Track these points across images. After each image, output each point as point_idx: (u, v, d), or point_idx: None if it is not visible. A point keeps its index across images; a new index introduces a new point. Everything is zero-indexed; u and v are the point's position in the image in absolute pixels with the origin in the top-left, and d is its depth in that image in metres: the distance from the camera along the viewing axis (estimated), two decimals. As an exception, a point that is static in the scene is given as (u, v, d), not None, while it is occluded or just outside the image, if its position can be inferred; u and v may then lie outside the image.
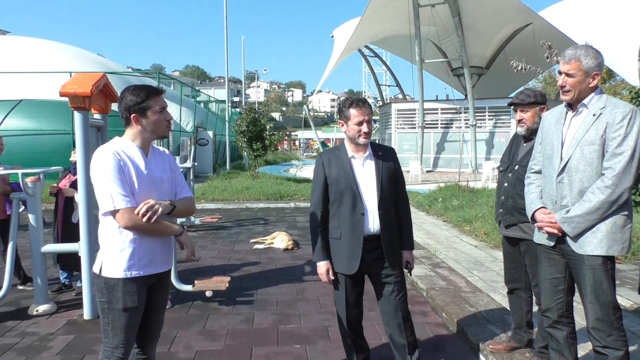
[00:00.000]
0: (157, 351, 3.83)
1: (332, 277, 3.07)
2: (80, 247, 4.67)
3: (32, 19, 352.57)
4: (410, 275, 3.50)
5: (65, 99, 4.45)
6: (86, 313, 4.59)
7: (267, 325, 4.44)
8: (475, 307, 4.56)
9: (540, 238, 2.81)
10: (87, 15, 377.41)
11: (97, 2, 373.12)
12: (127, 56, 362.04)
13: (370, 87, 53.20)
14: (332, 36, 33.90)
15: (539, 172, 2.90)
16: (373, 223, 2.99)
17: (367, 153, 3.07)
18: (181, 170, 6.59)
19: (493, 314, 4.38)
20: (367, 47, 34.76)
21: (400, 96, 36.83)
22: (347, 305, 3.11)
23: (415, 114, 26.41)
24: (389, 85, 46.84)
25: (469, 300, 4.75)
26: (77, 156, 4.63)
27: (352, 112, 2.98)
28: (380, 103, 36.89)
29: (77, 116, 4.55)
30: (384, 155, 3.10)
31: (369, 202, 2.99)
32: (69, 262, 5.28)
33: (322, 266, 3.07)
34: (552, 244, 2.73)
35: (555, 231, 2.66)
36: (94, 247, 4.69)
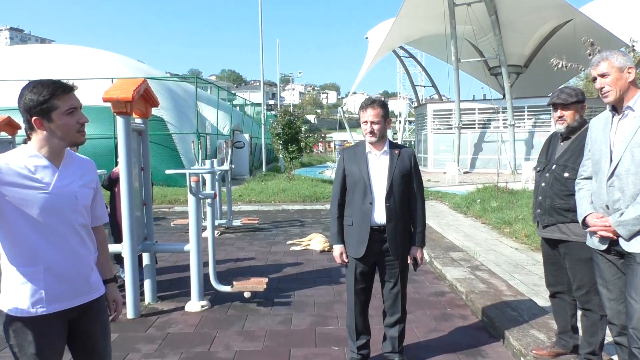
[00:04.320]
0: (197, 350, 3.94)
1: (346, 260, 3.45)
2: (122, 247, 4.79)
3: (76, 28, 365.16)
4: (415, 270, 3.65)
5: (108, 104, 4.58)
6: (129, 312, 4.70)
7: (305, 327, 4.45)
8: (517, 312, 4.45)
9: (592, 242, 2.75)
10: (127, 23, 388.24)
11: (137, 11, 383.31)
12: (165, 62, 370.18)
13: (405, 88, 52.65)
14: (366, 37, 33.81)
15: (588, 177, 2.85)
16: (380, 214, 3.31)
17: (384, 150, 3.38)
18: (218, 172, 6.67)
19: (536, 319, 4.26)
20: (401, 47, 34.52)
21: (436, 97, 36.39)
22: (355, 288, 3.45)
23: (451, 114, 26.04)
24: (424, 86, 46.32)
25: (510, 304, 4.64)
26: (119, 160, 4.75)
27: (360, 113, 3.39)
28: (416, 104, 36.55)
29: (120, 121, 4.68)
30: (401, 154, 3.39)
31: (377, 193, 3.32)
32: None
33: (337, 249, 3.48)
34: (605, 247, 2.66)
35: (610, 235, 2.59)
36: (135, 247, 4.81)
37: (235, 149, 21.56)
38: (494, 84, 30.14)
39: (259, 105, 30.08)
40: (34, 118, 1.94)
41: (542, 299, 4.86)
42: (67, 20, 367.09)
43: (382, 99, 3.54)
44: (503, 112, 24.81)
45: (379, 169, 3.37)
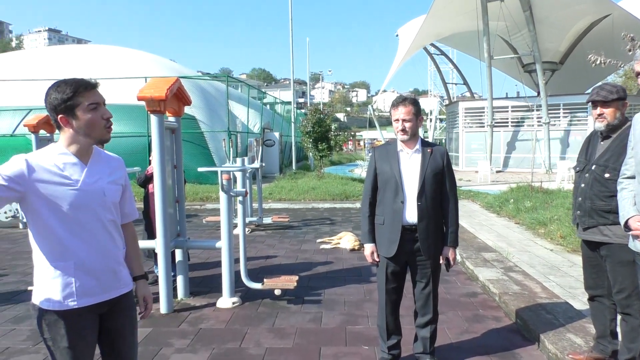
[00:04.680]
0: (228, 346, 3.98)
1: (377, 259, 3.42)
2: (156, 243, 4.87)
3: (111, 28, 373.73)
4: (447, 271, 3.61)
5: (142, 103, 4.66)
6: (162, 307, 4.78)
7: (335, 325, 4.44)
8: (552, 314, 4.34)
9: (635, 245, 2.64)
10: (160, 23, 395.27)
11: (170, 11, 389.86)
12: (197, 61, 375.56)
13: (436, 86, 52.00)
14: (397, 35, 33.49)
15: (631, 177, 2.72)
16: (411, 213, 3.27)
17: (416, 148, 3.35)
18: (249, 170, 6.70)
19: (572, 322, 4.15)
20: (432, 44, 34.07)
21: (468, 94, 35.81)
22: (386, 287, 3.43)
23: (483, 112, 25.59)
24: (455, 84, 45.68)
25: (545, 307, 4.53)
26: (153, 157, 4.83)
27: (391, 111, 3.38)
28: (447, 102, 36.06)
29: (153, 119, 4.76)
30: (433, 153, 3.35)
31: (409, 192, 3.28)
32: None
33: (368, 248, 3.44)
34: None
35: None
36: (169, 243, 4.89)
37: (266, 147, 21.70)
38: (528, 81, 29.48)
39: (289, 103, 30.20)
40: (59, 116, 1.99)
41: (579, 302, 4.73)
42: (103, 21, 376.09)
43: (414, 96, 3.49)
44: (537, 110, 24.24)
45: (410, 167, 3.33)
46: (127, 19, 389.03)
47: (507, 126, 25.75)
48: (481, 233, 8.52)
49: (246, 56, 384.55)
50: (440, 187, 3.36)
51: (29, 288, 1.71)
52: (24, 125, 9.56)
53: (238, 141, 18.44)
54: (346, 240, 7.72)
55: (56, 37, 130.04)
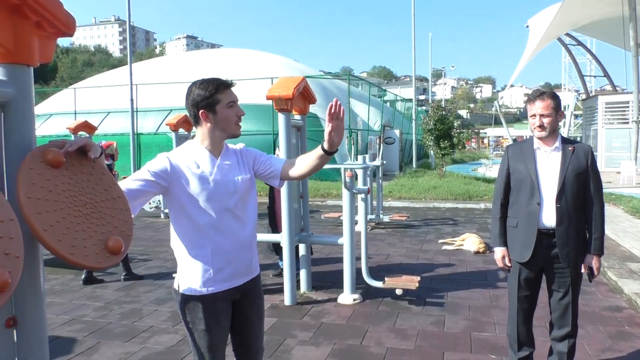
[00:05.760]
0: (350, 343, 4.00)
1: (508, 264, 3.20)
2: (281, 237, 5.05)
3: (241, 33, 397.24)
4: (590, 281, 3.26)
5: (268, 102, 4.85)
6: (287, 299, 4.95)
7: (459, 330, 4.27)
8: None
9: None
10: (285, 25, 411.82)
11: (294, 14, 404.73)
12: (319, 61, 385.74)
13: (571, 79, 48.03)
14: (527, 26, 31.45)
15: None
16: (549, 215, 3.01)
17: (555, 146, 3.08)
18: (369, 168, 6.70)
19: None
20: (568, 34, 31.52)
21: (609, 87, 32.57)
22: (518, 295, 3.20)
23: (627, 107, 23.07)
24: (594, 76, 41.82)
25: None
26: (279, 154, 5.01)
27: (527, 107, 3.14)
28: (584, 96, 33.11)
29: (281, 117, 4.93)
30: (576, 151, 3.07)
31: (547, 193, 3.03)
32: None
33: (498, 252, 3.24)
34: None
35: None
36: (294, 237, 5.04)
37: (386, 144, 21.60)
38: (684, 71, 26.01)
39: (409, 100, 29.79)
40: (201, 111, 2.12)
41: None
42: (233, 26, 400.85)
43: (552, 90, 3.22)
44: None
45: (548, 166, 3.07)
46: (255, 24, 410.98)
47: (657, 122, 22.95)
48: (625, 241, 7.68)
49: (367, 54, 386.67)
50: (583, 189, 3.05)
51: (174, 275, 1.88)
52: (166, 124, 10.50)
53: (359, 139, 18.60)
54: (470, 242, 7.40)
55: (193, 43, 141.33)
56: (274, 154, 6.34)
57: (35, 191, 1.30)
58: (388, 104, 29.99)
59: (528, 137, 3.46)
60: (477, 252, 7.11)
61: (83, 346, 4.06)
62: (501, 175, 3.29)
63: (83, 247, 1.35)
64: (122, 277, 5.96)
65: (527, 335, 3.31)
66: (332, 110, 2.10)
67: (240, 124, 2.21)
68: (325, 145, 2.17)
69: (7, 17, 1.32)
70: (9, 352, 1.37)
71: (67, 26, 1.45)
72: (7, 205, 1.21)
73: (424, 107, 41.20)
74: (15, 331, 1.38)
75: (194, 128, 2.23)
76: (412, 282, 5.05)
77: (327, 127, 2.13)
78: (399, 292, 5.05)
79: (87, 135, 10.69)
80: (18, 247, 1.18)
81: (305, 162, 2.26)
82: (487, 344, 3.98)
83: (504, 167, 3.26)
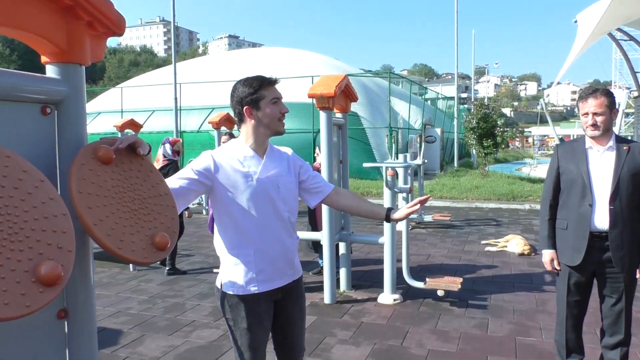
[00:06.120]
0: (390, 343, 3.96)
1: (557, 267, 3.09)
2: (322, 236, 5.05)
3: (281, 31, 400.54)
4: None
5: (308, 101, 4.85)
6: (326, 298, 4.95)
7: (504, 334, 4.15)
8: None
9: None
10: (325, 24, 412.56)
11: (334, 12, 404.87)
12: (359, 59, 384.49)
13: (622, 76, 46.09)
14: (575, 21, 30.30)
15: None
16: (602, 217, 2.90)
17: (609, 145, 2.96)
18: (411, 167, 6.61)
19: None
20: (619, 29, 30.16)
21: (664, 84, 31.07)
22: (567, 299, 3.09)
23: (684, 104, 21.95)
24: (647, 73, 40.00)
25: None
26: (321, 152, 5.00)
27: (579, 105, 3.03)
28: (636, 93, 31.74)
29: (322, 115, 4.93)
30: (631, 150, 2.94)
31: (599, 194, 2.92)
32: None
33: (547, 254, 3.13)
34: None
35: None
36: (334, 235, 5.03)
37: (426, 143, 21.33)
38: None
39: (451, 98, 29.30)
40: (245, 108, 2.11)
41: None
42: (274, 25, 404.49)
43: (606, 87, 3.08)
44: None
45: (601, 166, 2.94)
46: (295, 23, 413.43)
47: None
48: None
49: (407, 52, 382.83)
50: (639, 190, 2.91)
51: (215, 270, 1.91)
52: (209, 122, 10.68)
53: (399, 137, 18.43)
54: (514, 243, 7.20)
55: (235, 42, 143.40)
56: (314, 153, 6.35)
57: (86, 186, 1.33)
58: (429, 102, 29.59)
59: (578, 136, 3.33)
60: (521, 254, 6.92)
61: (128, 338, 4.18)
62: (550, 175, 3.17)
63: (131, 242, 1.38)
64: (166, 271, 6.09)
65: (577, 342, 3.19)
66: (423, 199, 2.22)
67: (283, 121, 2.19)
68: (392, 216, 2.27)
69: (60, 17, 1.36)
70: (61, 342, 1.41)
71: (118, 26, 1.48)
72: (61, 201, 1.24)
73: (465, 105, 40.44)
74: (66, 322, 1.42)
75: (235, 126, 2.25)
76: (454, 283, 4.95)
77: (410, 208, 2.23)
78: (440, 293, 4.97)
79: (133, 132, 11.00)
80: (70, 241, 1.21)
81: (356, 204, 2.35)
82: (534, 349, 3.86)
83: (554, 167, 3.15)
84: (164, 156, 6.01)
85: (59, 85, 1.39)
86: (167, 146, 6.02)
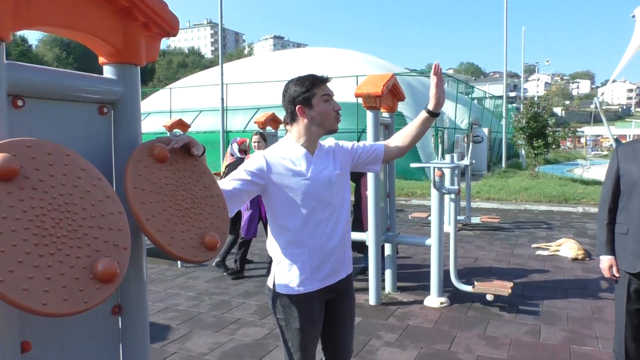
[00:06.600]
0: (437, 347, 3.88)
1: (617, 274, 2.94)
2: (367, 236, 5.00)
3: (325, 32, 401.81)
4: None
5: (352, 100, 4.81)
6: (371, 299, 4.90)
7: (557, 342, 3.99)
8: None
9: None
10: (369, 23, 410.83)
11: (377, 11, 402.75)
12: (404, 58, 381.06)
13: (684, 73, 43.70)
14: (633, 16, 28.96)
15: None
16: None
17: None
18: (459, 167, 6.45)
19: None
20: (682, 24, 28.68)
21: None
22: (627, 308, 2.93)
23: None
24: None
25: None
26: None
27: None
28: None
29: (369, 115, 4.88)
30: None
31: None
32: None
33: (605, 261, 3.00)
34: None
35: None
36: (380, 236, 4.97)
37: (474, 143, 20.87)
38: None
39: (499, 97, 28.56)
40: (297, 106, 2.11)
41: None
42: (319, 26, 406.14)
43: None
44: None
45: None
46: (339, 23, 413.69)
47: None
48: None
49: (454, 51, 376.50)
50: None
51: (267, 268, 1.91)
52: (254, 122, 10.78)
53: (445, 137, 18.12)
54: (567, 247, 6.93)
55: (280, 43, 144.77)
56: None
57: (141, 182, 1.35)
58: (476, 101, 28.96)
59: (636, 136, 3.15)
60: (575, 259, 6.64)
61: (176, 334, 4.26)
62: (610, 177, 3.01)
63: (181, 239, 1.39)
64: (215, 263, 6.17)
65: (637, 352, 3.01)
66: (437, 69, 2.21)
67: (339, 118, 2.18)
68: (431, 106, 2.23)
69: (117, 18, 1.38)
70: (115, 337, 1.44)
71: (172, 26, 1.49)
72: (117, 198, 1.26)
73: (514, 105, 39.35)
74: (120, 318, 1.45)
75: (281, 126, 2.26)
76: (504, 287, 4.80)
77: (433, 84, 2.20)
78: (489, 297, 4.83)
79: (181, 132, 11.26)
80: (126, 239, 1.23)
81: (408, 132, 2.32)
82: (590, 359, 3.69)
83: (613, 169, 2.98)
84: (232, 154, 6.27)
85: (115, 85, 1.42)
86: (235, 145, 6.28)
